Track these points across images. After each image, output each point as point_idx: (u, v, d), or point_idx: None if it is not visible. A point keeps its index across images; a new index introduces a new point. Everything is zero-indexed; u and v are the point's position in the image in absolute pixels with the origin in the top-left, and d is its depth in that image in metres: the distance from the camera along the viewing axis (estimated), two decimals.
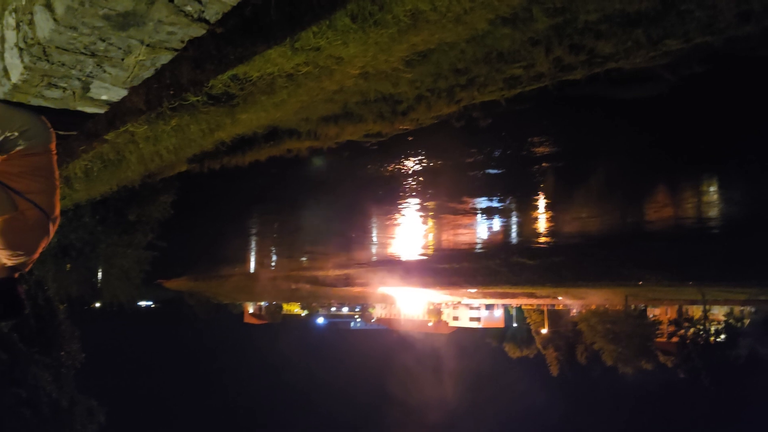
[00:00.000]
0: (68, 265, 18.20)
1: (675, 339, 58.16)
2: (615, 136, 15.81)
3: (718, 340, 56.97)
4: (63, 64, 2.45)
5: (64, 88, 2.69)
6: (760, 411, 62.22)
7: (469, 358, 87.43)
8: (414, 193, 21.73)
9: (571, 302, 66.71)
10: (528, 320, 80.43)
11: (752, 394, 59.44)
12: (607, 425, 74.10)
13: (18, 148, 2.81)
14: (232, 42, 4.75)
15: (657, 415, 67.80)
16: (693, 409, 64.08)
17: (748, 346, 59.25)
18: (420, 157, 18.07)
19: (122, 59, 2.38)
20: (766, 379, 58.56)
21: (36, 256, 3.00)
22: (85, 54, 2.33)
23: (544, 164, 17.86)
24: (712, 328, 57.51)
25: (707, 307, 55.85)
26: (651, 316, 68.15)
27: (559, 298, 63.00)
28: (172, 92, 5.49)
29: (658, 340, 63.95)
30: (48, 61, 2.41)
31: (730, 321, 60.08)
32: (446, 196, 21.78)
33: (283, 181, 19.50)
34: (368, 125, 13.88)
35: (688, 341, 55.85)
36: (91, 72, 2.53)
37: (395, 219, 25.82)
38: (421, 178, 19.92)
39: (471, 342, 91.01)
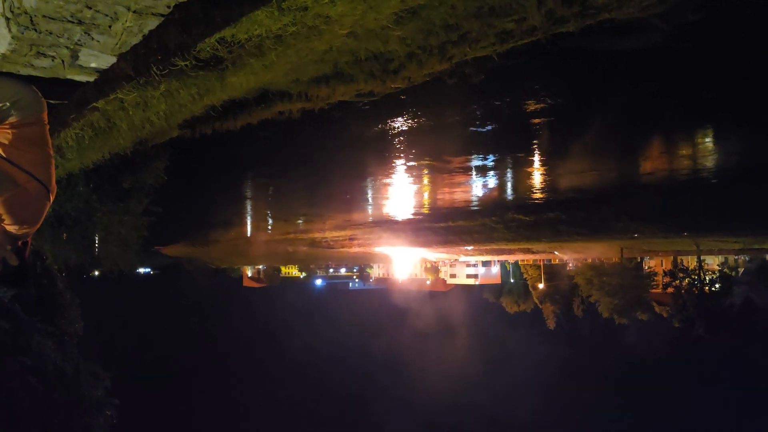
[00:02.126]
0: (65, 234, 18.22)
1: (670, 290, 58.96)
2: (609, 89, 15.67)
3: (712, 289, 57.73)
4: (51, 33, 2.43)
5: (53, 57, 2.67)
6: (754, 358, 63.51)
7: (467, 315, 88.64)
8: (408, 152, 21.66)
9: (568, 257, 67.23)
10: (525, 276, 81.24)
11: (746, 341, 60.55)
12: (604, 376, 75.62)
13: (11, 119, 2.79)
14: (218, 4, 4.69)
15: (653, 366, 69.14)
16: (688, 358, 65.33)
17: (743, 295, 60.09)
18: (413, 116, 17.94)
19: (109, 26, 2.36)
20: (760, 326, 59.62)
21: (38, 226, 3.04)
22: (73, 22, 2.31)
23: (538, 119, 17.72)
24: (707, 278, 58.22)
25: (702, 257, 56.39)
26: (646, 267, 68.95)
27: (556, 252, 63.44)
28: (159, 57, 5.43)
29: (654, 291, 64.84)
30: (35, 30, 2.39)
31: (725, 270, 60.83)
32: (440, 154, 21.70)
33: (276, 144, 19.39)
34: (359, 85, 13.77)
35: (683, 291, 56.60)
36: (79, 40, 2.50)
37: (390, 179, 25.79)
38: (414, 137, 19.80)
39: (469, 298, 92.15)
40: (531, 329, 79.96)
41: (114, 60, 2.75)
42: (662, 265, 66.09)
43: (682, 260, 59.93)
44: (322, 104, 14.79)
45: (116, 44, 2.57)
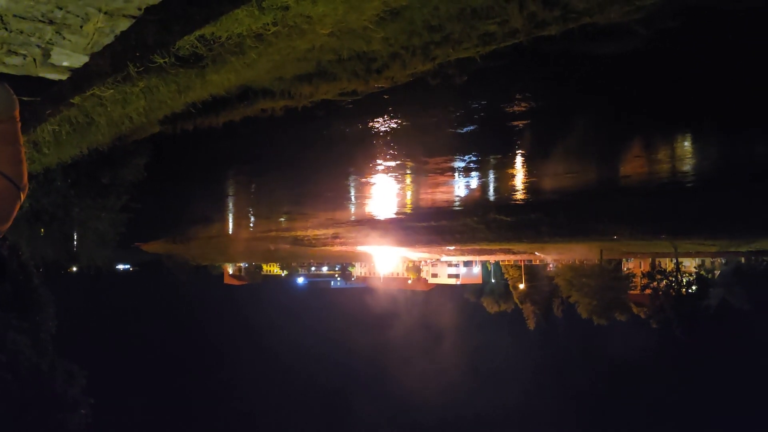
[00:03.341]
0: (42, 230, 17.95)
1: (648, 291, 59.49)
2: (590, 92, 15.69)
3: (689, 291, 58.41)
4: (22, 32, 2.43)
5: (25, 55, 2.64)
6: (729, 358, 64.48)
7: (447, 314, 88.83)
8: (391, 152, 21.62)
9: (548, 257, 67.65)
10: (506, 276, 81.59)
11: (722, 342, 61.44)
12: (582, 376, 76.22)
13: None
14: (197, 2, 4.66)
15: (630, 366, 69.67)
16: (665, 359, 66.08)
17: (719, 297, 61.01)
18: (396, 116, 17.88)
19: (81, 26, 2.35)
20: (735, 327, 60.59)
21: (9, 224, 2.86)
22: (44, 21, 2.30)
23: (520, 121, 17.76)
24: (684, 280, 58.89)
25: (679, 259, 57.07)
26: (625, 269, 69.66)
27: (536, 253, 63.82)
28: (138, 54, 5.37)
29: (632, 292, 65.49)
30: (6, 29, 2.38)
31: (701, 272, 61.60)
32: (423, 155, 21.68)
33: (258, 142, 19.26)
34: (343, 84, 13.74)
35: (660, 293, 57.18)
36: (50, 39, 2.50)
37: (373, 178, 25.73)
38: (397, 137, 19.74)
39: (450, 298, 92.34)
40: (511, 329, 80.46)
41: (86, 59, 2.72)
42: (640, 267, 66.89)
43: (659, 262, 60.63)
44: (305, 102, 14.70)
45: (88, 44, 2.56)
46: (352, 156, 22.03)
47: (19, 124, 2.86)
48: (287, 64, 11.30)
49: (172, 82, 7.32)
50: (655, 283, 57.54)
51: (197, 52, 6.44)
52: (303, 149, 21.04)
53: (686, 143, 19.71)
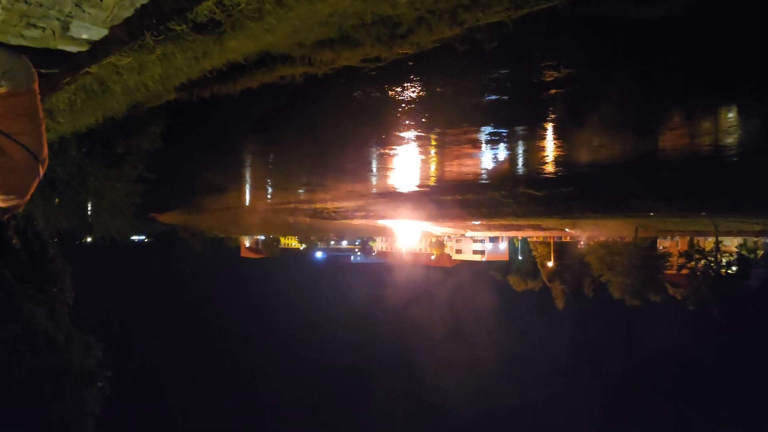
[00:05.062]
0: (57, 199, 18.03)
1: (685, 271, 58.21)
2: (628, 59, 15.14)
3: (729, 271, 57.09)
4: (41, 5, 2.54)
5: (44, 28, 2.74)
6: None
7: (472, 292, 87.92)
8: (415, 122, 21.31)
9: (579, 234, 66.22)
10: (534, 253, 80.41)
11: (763, 325, 59.72)
12: (613, 359, 75.26)
13: (0, 90, 2.80)
14: None
15: (664, 348, 68.11)
16: (701, 342, 64.48)
17: (761, 278, 59.40)
18: (421, 83, 17.53)
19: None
20: None
21: (28, 197, 3.01)
22: None
23: (552, 90, 17.25)
24: (724, 260, 57.53)
25: (719, 238, 55.56)
26: (661, 247, 68.00)
27: (567, 229, 62.68)
28: (154, 21, 5.13)
29: (668, 272, 63.87)
30: (26, 1, 2.50)
31: (743, 252, 60.10)
32: (449, 125, 21.26)
33: (277, 110, 19.05)
34: (366, 49, 13.47)
35: (698, 273, 55.92)
36: (70, 12, 2.62)
37: (395, 149, 25.37)
38: (422, 106, 19.46)
39: (475, 275, 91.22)
40: (538, 308, 79.21)
41: (106, 32, 2.86)
42: (677, 246, 65.30)
43: (698, 241, 58.96)
44: (325, 69, 14.64)
45: (108, 17, 2.70)
46: (374, 125, 21.84)
47: (39, 97, 3.01)
48: (308, 29, 11.00)
49: (189, 49, 7.32)
50: (693, 263, 56.24)
51: (215, 18, 6.37)
52: (323, 118, 20.91)
53: (729, 113, 19.08)
